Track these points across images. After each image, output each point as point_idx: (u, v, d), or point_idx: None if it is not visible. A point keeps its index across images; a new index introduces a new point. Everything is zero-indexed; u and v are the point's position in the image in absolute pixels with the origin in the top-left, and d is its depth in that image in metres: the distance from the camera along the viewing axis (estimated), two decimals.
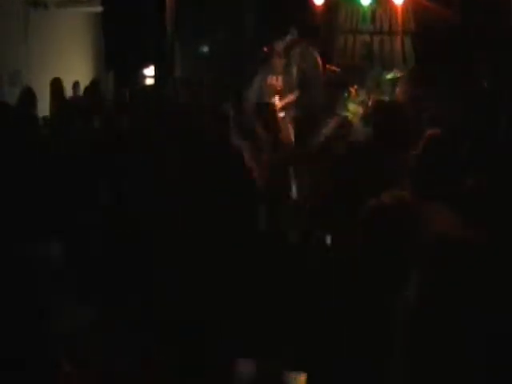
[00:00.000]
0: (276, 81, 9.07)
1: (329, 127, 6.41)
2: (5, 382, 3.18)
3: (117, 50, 10.73)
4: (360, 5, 9.99)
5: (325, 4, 10.15)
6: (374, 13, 10.08)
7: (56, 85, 8.57)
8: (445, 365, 2.69)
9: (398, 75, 9.14)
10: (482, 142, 5.69)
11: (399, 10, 9.66)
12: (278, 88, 9.05)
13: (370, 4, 9.94)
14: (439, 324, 2.72)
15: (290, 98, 9.03)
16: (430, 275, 2.78)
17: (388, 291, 2.97)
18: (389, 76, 9.26)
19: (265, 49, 9.65)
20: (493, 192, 3.60)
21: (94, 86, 9.18)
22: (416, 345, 2.73)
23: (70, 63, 10.53)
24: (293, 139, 7.64)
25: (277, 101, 8.87)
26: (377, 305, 3.03)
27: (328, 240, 4.54)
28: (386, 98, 8.31)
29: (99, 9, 10.95)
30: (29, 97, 7.86)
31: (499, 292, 2.83)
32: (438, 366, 2.70)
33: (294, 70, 9.57)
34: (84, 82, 9.48)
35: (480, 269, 2.80)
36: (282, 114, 8.42)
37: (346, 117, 7.80)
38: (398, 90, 8.52)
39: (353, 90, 9.03)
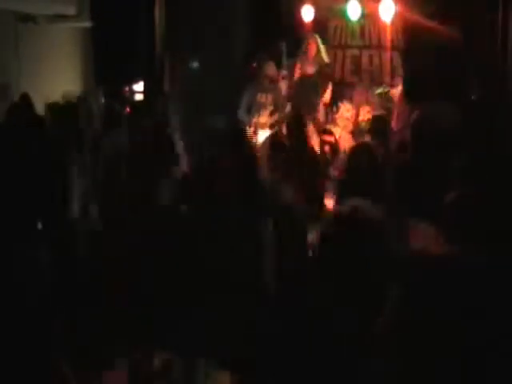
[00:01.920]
0: (265, 99, 9.08)
1: None
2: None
3: (106, 65, 10.74)
4: (349, 20, 10.04)
5: (313, 21, 10.20)
6: (362, 28, 10.15)
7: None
8: None
9: (387, 90, 9.20)
10: (472, 154, 5.70)
11: (388, 25, 9.71)
12: (268, 105, 9.06)
13: (359, 19, 9.99)
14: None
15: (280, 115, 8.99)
16: (405, 296, 2.55)
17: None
18: (378, 91, 9.31)
19: (253, 65, 9.68)
20: (480, 205, 3.33)
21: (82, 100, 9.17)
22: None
23: (59, 78, 10.52)
24: None
25: (266, 117, 8.92)
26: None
27: None
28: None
29: (88, 24, 10.97)
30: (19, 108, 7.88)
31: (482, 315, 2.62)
32: None
33: (283, 86, 9.63)
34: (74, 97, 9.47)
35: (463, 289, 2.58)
36: (269, 131, 8.48)
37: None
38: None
39: (342, 105, 9.08)
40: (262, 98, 9.05)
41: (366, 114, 8.83)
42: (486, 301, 2.67)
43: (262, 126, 8.88)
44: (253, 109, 9.02)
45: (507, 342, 2.65)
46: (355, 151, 5.23)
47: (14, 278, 3.49)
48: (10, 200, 6.15)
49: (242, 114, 9.01)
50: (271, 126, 8.81)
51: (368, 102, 9.12)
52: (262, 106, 9.01)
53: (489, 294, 2.73)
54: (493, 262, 2.86)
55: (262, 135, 8.48)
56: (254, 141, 7.99)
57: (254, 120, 8.90)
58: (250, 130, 8.26)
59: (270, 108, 9.01)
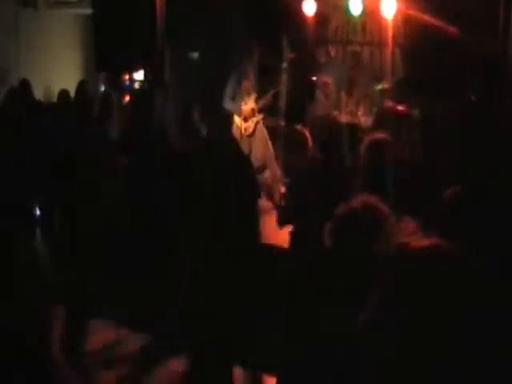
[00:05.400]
0: (250, 85, 8.93)
1: None
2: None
3: (106, 52, 10.71)
4: (351, 16, 10.02)
5: (315, 16, 10.18)
6: (364, 24, 10.14)
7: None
8: None
9: (387, 86, 9.21)
10: (469, 152, 5.73)
11: (389, 22, 9.70)
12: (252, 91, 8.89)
13: (361, 15, 9.97)
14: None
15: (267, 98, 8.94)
16: (390, 292, 2.25)
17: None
18: (378, 87, 9.32)
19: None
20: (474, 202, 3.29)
21: (81, 86, 9.14)
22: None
23: (59, 64, 10.49)
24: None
25: (252, 103, 8.70)
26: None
27: None
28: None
29: (89, 10, 10.94)
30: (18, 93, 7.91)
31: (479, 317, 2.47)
32: None
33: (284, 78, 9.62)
34: (73, 83, 9.44)
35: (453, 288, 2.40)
36: (260, 116, 8.40)
37: None
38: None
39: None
40: (247, 84, 8.89)
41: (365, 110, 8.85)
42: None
43: (250, 112, 8.62)
44: (237, 96, 8.88)
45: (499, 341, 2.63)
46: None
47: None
48: (6, 183, 6.16)
49: (227, 102, 8.93)
50: (260, 111, 8.64)
51: (367, 98, 9.15)
52: (246, 93, 8.78)
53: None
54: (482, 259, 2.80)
55: (250, 121, 8.34)
56: (243, 128, 8.02)
57: (242, 107, 8.67)
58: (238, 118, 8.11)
59: (255, 94, 8.81)
